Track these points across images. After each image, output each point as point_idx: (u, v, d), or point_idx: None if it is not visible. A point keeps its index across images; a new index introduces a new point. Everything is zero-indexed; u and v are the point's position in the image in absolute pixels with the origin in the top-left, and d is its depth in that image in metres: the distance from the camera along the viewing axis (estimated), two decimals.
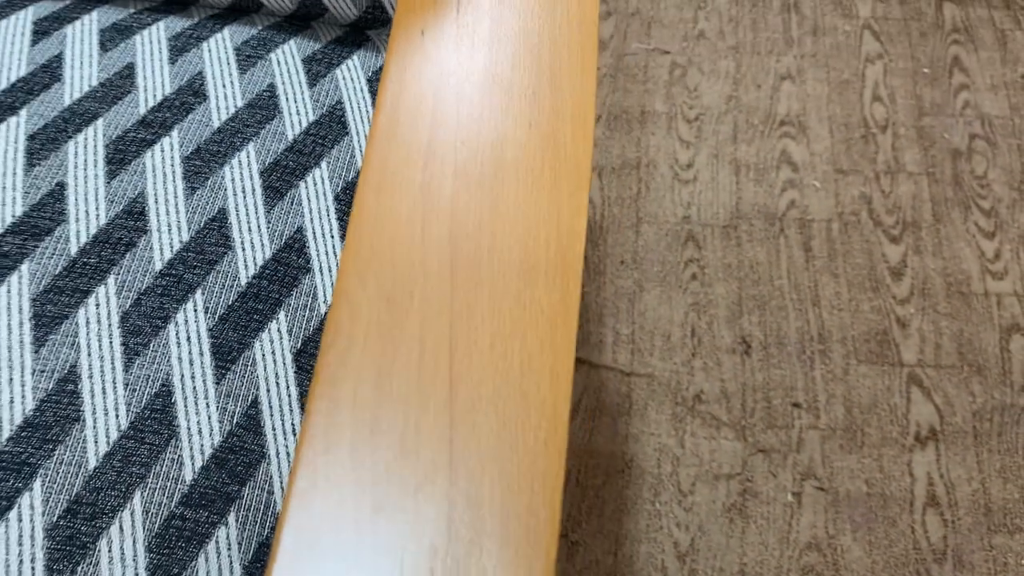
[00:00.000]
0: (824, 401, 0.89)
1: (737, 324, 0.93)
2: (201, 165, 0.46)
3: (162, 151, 0.46)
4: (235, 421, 0.39)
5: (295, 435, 0.38)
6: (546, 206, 0.26)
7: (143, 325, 0.40)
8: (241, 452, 0.38)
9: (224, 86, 0.50)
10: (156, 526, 0.36)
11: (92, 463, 0.37)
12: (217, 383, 0.40)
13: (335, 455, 0.22)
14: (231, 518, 0.37)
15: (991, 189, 1.05)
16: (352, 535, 0.21)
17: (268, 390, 0.40)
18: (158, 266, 0.42)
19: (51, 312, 0.40)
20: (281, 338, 0.41)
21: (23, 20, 0.51)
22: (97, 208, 0.43)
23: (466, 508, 0.20)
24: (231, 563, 0.36)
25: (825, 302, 0.95)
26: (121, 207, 0.43)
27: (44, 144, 0.45)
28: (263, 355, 0.41)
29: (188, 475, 0.37)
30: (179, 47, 0.51)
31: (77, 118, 0.47)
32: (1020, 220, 1.03)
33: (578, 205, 0.25)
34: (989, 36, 1.18)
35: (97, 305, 0.40)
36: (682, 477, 0.83)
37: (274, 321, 0.42)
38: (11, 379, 0.38)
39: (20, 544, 0.35)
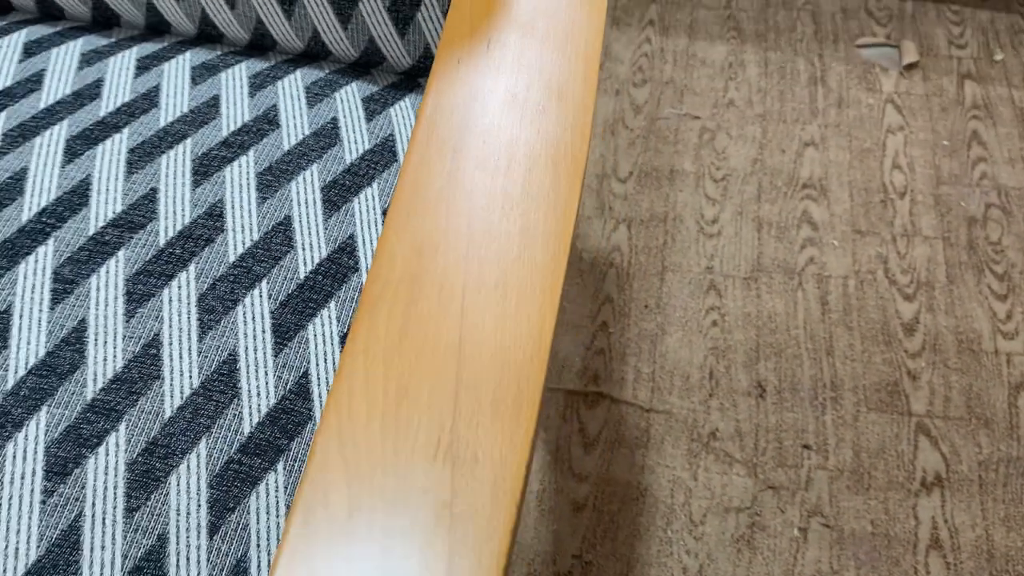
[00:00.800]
0: (834, 444, 0.93)
1: (753, 369, 0.98)
2: (272, 180, 0.54)
3: (240, 166, 0.54)
4: (288, 387, 0.46)
5: None
6: (548, 189, 0.33)
7: (216, 305, 0.48)
8: (292, 413, 0.45)
9: (294, 117, 0.58)
10: (217, 467, 0.43)
11: (168, 413, 0.44)
12: (275, 356, 0.47)
13: (371, 361, 0.29)
14: (280, 466, 0.44)
15: (1005, 255, 1.09)
16: (379, 419, 0.27)
17: (317, 364, 0.47)
18: (231, 258, 0.50)
19: (141, 291, 0.48)
20: (331, 323, 0.48)
21: (128, 57, 0.61)
22: (183, 210, 0.51)
23: (468, 396, 0.27)
24: (277, 502, 0.43)
25: (839, 352, 1.00)
26: (203, 210, 0.51)
27: (141, 157, 0.54)
28: (315, 335, 0.48)
29: (246, 428, 0.44)
30: (258, 83, 0.60)
31: (170, 137, 0.55)
32: None
33: (572, 187, 0.32)
34: (1008, 113, 1.24)
35: (179, 287, 0.48)
36: (694, 508, 0.88)
37: (325, 309, 0.49)
38: (106, 342, 0.46)
39: (106, 474, 0.42)
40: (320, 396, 0.46)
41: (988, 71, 1.30)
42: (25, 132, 0.54)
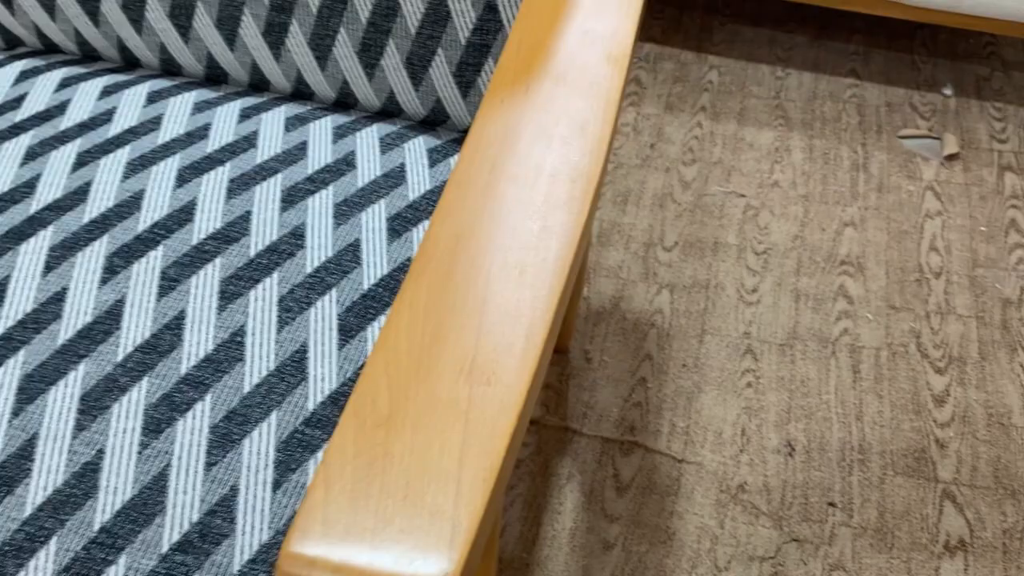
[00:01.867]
0: (859, 504, 0.96)
1: (784, 429, 1.03)
2: (347, 210, 0.63)
3: (320, 197, 0.63)
4: (348, 376, 0.54)
5: None
6: (564, 200, 0.41)
7: (293, 306, 0.56)
8: (349, 396, 0.53)
9: (368, 161, 0.68)
10: (284, 436, 0.51)
11: (247, 388, 0.52)
12: (339, 349, 0.55)
13: (414, 312, 0.37)
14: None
15: None
16: (416, 351, 0.35)
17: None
18: (308, 270, 0.59)
19: (232, 290, 0.57)
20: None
21: (233, 107, 0.71)
22: (272, 229, 0.61)
23: (486, 341, 0.35)
24: None
25: (868, 418, 1.04)
26: (288, 230, 0.61)
27: (240, 186, 0.64)
28: (372, 336, 0.56)
29: (311, 406, 0.52)
30: (340, 133, 0.70)
31: (264, 171, 0.65)
32: None
33: (585, 200, 0.40)
34: None
35: (264, 290, 0.57)
36: (719, 554, 0.92)
37: (383, 315, 0.57)
38: (200, 330, 0.55)
39: (191, 434, 0.50)
40: None
41: None
42: (144, 162, 0.65)
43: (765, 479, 0.98)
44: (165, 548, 0.47)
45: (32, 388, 0.52)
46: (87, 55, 0.77)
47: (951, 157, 1.36)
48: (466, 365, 0.34)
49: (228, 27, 0.71)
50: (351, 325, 0.56)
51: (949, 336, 1.13)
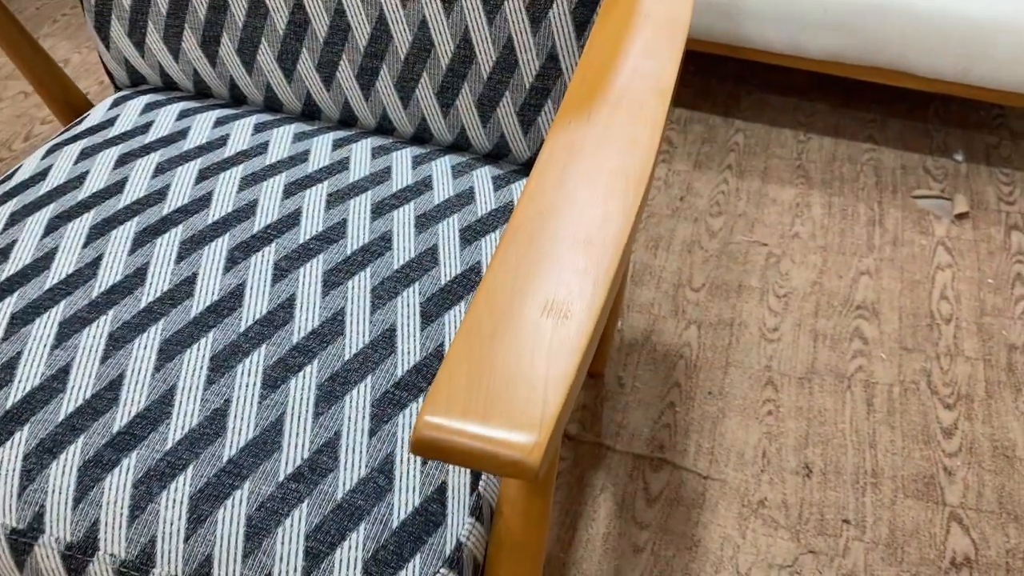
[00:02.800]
0: (871, 521, 1.04)
1: (802, 453, 1.11)
2: (425, 221, 0.74)
3: (403, 211, 0.75)
4: (429, 351, 0.64)
5: None
6: (619, 193, 0.52)
7: (384, 295, 0.67)
8: (431, 369, 0.63)
9: (442, 184, 0.79)
10: (378, 394, 0.61)
11: (346, 357, 0.63)
12: (422, 331, 0.65)
13: (507, 265, 0.47)
14: (420, 399, 0.61)
15: None
16: (510, 291, 0.46)
17: (449, 338, 0.65)
18: (395, 266, 0.69)
19: (333, 280, 0.68)
20: (460, 314, 0.67)
21: (327, 138, 0.83)
22: (364, 234, 0.72)
23: (562, 289, 0.45)
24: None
25: (881, 447, 1.12)
26: (377, 235, 0.72)
27: (335, 200, 0.75)
28: (449, 321, 0.67)
29: (399, 373, 0.62)
30: (418, 161, 0.82)
31: (356, 190, 0.76)
32: None
33: (637, 194, 0.51)
34: None
35: (360, 280, 0.68)
36: (740, 561, 1.00)
37: (459, 305, 0.68)
38: (307, 309, 0.65)
39: (301, 392, 0.61)
40: None
41: None
42: (256, 178, 0.77)
43: (784, 496, 1.06)
44: (281, 477, 0.57)
45: (170, 350, 0.62)
46: (200, 92, 0.90)
47: (961, 216, 1.46)
48: (548, 304, 0.44)
49: (327, 70, 0.83)
50: (431, 312, 0.67)
51: (958, 376, 1.21)
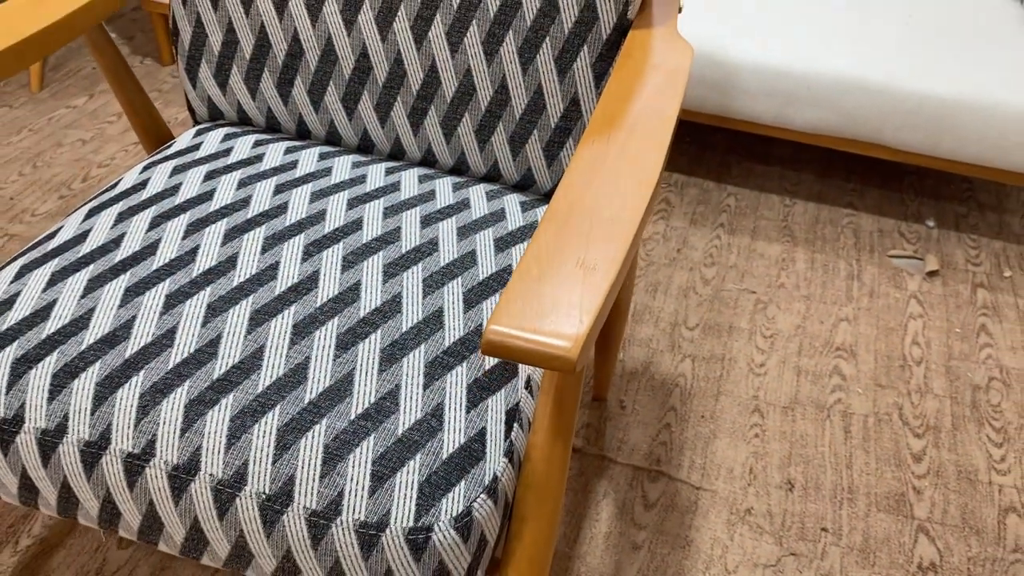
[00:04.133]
0: (847, 530, 1.15)
1: (785, 470, 1.23)
2: (466, 231, 0.88)
3: (447, 224, 0.89)
4: (471, 329, 0.77)
5: None
6: (630, 192, 0.66)
7: (432, 284, 0.81)
8: (472, 342, 0.76)
9: (478, 206, 0.93)
10: (430, 358, 0.74)
11: (404, 328, 0.76)
12: (464, 313, 0.79)
13: (548, 234, 0.61)
14: (465, 364, 0.74)
15: (1003, 414, 1.34)
16: (551, 250, 0.59)
17: (487, 320, 0.78)
18: (441, 264, 0.83)
19: (391, 271, 0.81)
20: (496, 302, 0.80)
21: (380, 168, 0.98)
22: (415, 238, 0.86)
23: (593, 250, 0.59)
24: (462, 382, 0.73)
25: (856, 468, 1.24)
26: (426, 240, 0.86)
27: (390, 212, 0.89)
28: (487, 307, 0.80)
29: (447, 343, 0.75)
30: (458, 187, 0.96)
31: (406, 206, 0.91)
32: None
33: (646, 191, 0.65)
34: (1013, 314, 1.52)
35: (413, 273, 0.81)
36: (728, 560, 1.11)
37: (494, 296, 0.81)
38: (371, 292, 0.79)
39: (367, 353, 0.74)
40: None
41: (998, 283, 1.60)
42: (323, 194, 0.91)
43: (768, 507, 1.18)
44: (352, 416, 0.69)
45: (259, 318, 0.76)
46: (270, 127, 1.05)
47: (932, 273, 1.61)
48: (580, 259, 0.58)
49: (383, 110, 0.99)
50: (471, 299, 0.80)
51: (927, 410, 1.34)
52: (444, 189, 0.96)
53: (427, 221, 0.89)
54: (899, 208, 1.78)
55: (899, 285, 1.58)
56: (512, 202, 0.96)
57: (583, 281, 0.57)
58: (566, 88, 0.93)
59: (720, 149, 1.92)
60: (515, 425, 0.73)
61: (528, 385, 0.77)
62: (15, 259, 0.83)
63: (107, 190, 0.92)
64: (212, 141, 1.00)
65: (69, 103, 1.92)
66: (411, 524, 0.65)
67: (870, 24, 1.69)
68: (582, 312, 0.54)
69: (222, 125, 1.06)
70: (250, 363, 0.72)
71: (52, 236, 0.85)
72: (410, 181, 0.96)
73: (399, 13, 0.94)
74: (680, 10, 0.99)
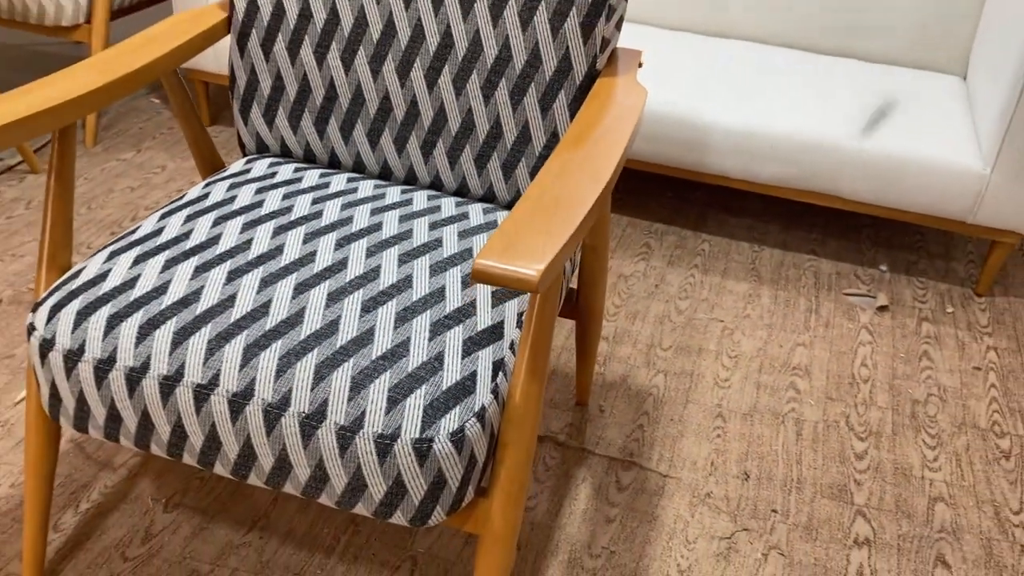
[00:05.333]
0: (794, 512, 1.32)
1: (743, 464, 1.40)
2: (466, 234, 1.09)
3: (451, 228, 1.10)
4: (467, 302, 0.97)
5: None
6: (587, 183, 0.87)
7: (438, 270, 1.01)
8: (467, 312, 0.96)
9: (476, 217, 1.14)
10: (434, 320, 0.94)
11: (414, 299, 0.96)
12: (461, 292, 0.99)
13: (523, 212, 0.82)
14: (462, 326, 0.94)
15: (938, 423, 1.52)
16: (532, 208, 0.80)
17: (480, 297, 0.99)
18: (445, 256, 1.04)
19: (405, 260, 1.02)
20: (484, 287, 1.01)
21: (396, 189, 1.20)
22: (424, 237, 1.07)
23: (557, 220, 0.80)
24: (458, 340, 0.93)
25: (805, 463, 1.41)
26: (434, 238, 1.07)
27: (406, 219, 1.10)
28: (481, 288, 1.00)
29: (447, 310, 0.95)
30: (459, 204, 1.18)
31: (418, 214, 1.12)
32: (956, 444, 1.48)
33: (604, 175, 0.86)
34: (952, 343, 1.72)
35: (422, 262, 1.02)
36: (689, 533, 1.28)
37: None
38: (388, 273, 0.99)
39: (385, 315, 0.93)
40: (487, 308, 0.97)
41: (941, 317, 1.79)
42: (351, 205, 1.12)
43: (726, 492, 1.35)
44: (374, 357, 0.89)
45: (301, 288, 0.96)
46: (306, 158, 1.28)
47: (882, 309, 1.81)
48: (545, 223, 0.79)
49: (400, 143, 1.21)
50: (467, 281, 1.01)
51: (871, 419, 1.52)
52: (448, 205, 1.17)
53: (434, 226, 1.10)
54: (856, 255, 1.99)
55: (852, 318, 1.77)
56: (501, 216, 1.17)
57: (545, 236, 0.78)
58: (547, 123, 1.15)
59: (697, 203, 2.15)
60: (500, 374, 0.93)
61: (511, 347, 0.96)
62: (104, 248, 1.04)
63: (176, 200, 1.14)
64: (260, 167, 1.23)
65: (119, 156, 2.16)
66: (417, 435, 0.85)
67: (825, 92, 1.93)
68: (544, 254, 0.75)
69: (267, 156, 1.28)
70: (294, 319, 0.92)
71: (133, 232, 1.07)
72: (421, 199, 1.18)
73: (415, 64, 1.17)
74: (640, 65, 1.22)
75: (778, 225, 2.08)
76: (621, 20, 1.17)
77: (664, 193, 2.18)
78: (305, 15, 1.18)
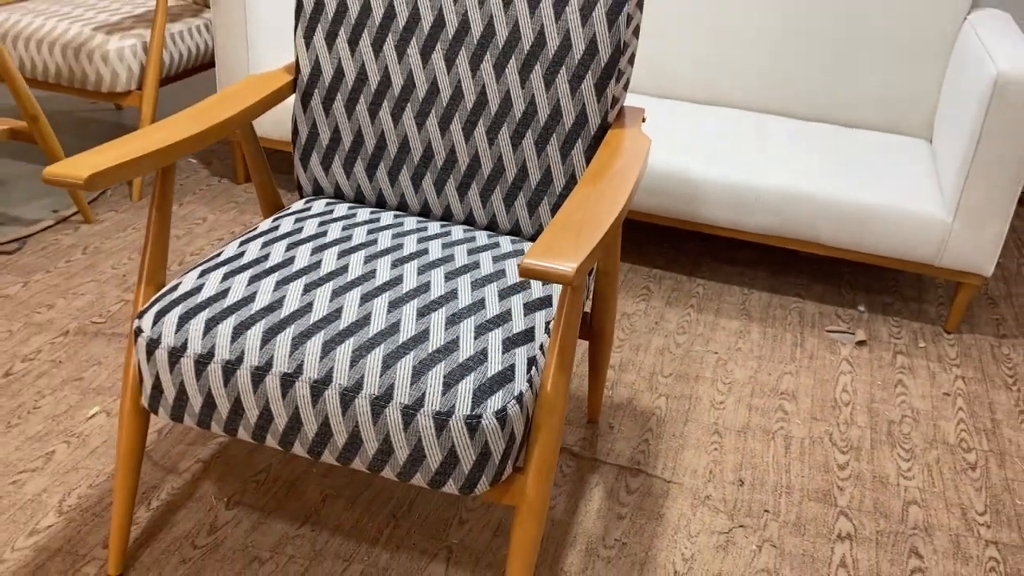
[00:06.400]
0: (784, 512, 1.49)
1: (738, 472, 1.57)
2: (498, 259, 1.28)
3: (485, 254, 1.29)
4: (504, 311, 1.16)
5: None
6: (608, 204, 1.07)
7: (478, 285, 1.20)
8: (505, 319, 1.15)
9: (505, 246, 1.34)
10: (479, 323, 1.12)
11: (460, 306, 1.15)
12: (499, 303, 1.18)
13: (563, 219, 1.02)
14: (501, 329, 1.13)
15: (911, 440, 1.69)
16: (563, 222, 0.99)
17: (515, 308, 1.17)
18: (482, 274, 1.23)
19: (449, 276, 1.21)
20: (522, 298, 1.20)
21: (436, 224, 1.40)
22: (464, 261, 1.26)
23: (586, 229, 1.00)
24: (499, 340, 1.11)
25: (794, 472, 1.59)
26: (472, 261, 1.26)
27: (446, 247, 1.30)
28: (516, 301, 1.19)
29: (488, 316, 1.14)
30: (491, 237, 1.37)
31: (455, 243, 1.32)
32: (928, 457, 1.65)
33: (619, 199, 1.06)
34: (924, 373, 1.90)
35: (465, 278, 1.21)
36: (691, 528, 1.44)
37: (520, 294, 1.21)
38: (438, 287, 1.18)
39: (438, 319, 1.12)
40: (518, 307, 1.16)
41: (914, 351, 1.98)
42: (398, 235, 1.32)
43: (723, 495, 1.52)
44: (431, 350, 1.07)
45: (366, 298, 1.15)
46: (357, 199, 1.48)
47: (861, 343, 2.00)
48: (575, 237, 0.98)
49: (439, 185, 1.41)
50: (504, 294, 1.20)
51: (851, 436, 1.69)
52: (481, 236, 1.37)
53: (472, 252, 1.30)
54: (837, 297, 2.19)
55: (833, 351, 1.96)
56: (527, 246, 1.37)
57: (575, 244, 0.97)
58: (567, 168, 1.36)
59: (692, 252, 2.35)
60: (533, 368, 1.11)
61: (541, 348, 1.15)
62: (194, 268, 1.23)
63: (250, 231, 1.33)
64: (318, 206, 1.43)
65: None
66: (468, 412, 1.03)
67: (804, 150, 2.15)
68: (576, 256, 0.94)
69: (322, 197, 1.48)
70: (363, 321, 1.11)
71: (217, 255, 1.26)
72: (458, 231, 1.38)
73: (455, 118, 1.38)
74: (644, 120, 1.43)
75: (766, 271, 2.29)
76: (628, 82, 1.39)
77: (662, 243, 2.39)
78: (362, 77, 1.40)
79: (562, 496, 1.49)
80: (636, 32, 1.36)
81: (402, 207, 1.46)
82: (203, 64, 2.61)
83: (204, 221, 2.33)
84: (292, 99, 2.25)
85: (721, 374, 1.85)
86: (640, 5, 1.35)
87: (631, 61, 1.37)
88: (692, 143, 2.15)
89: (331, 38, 1.40)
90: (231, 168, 2.65)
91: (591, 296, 1.49)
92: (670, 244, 2.39)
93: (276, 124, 2.34)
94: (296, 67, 1.44)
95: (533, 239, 1.42)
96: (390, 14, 1.37)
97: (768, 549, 1.42)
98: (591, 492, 1.50)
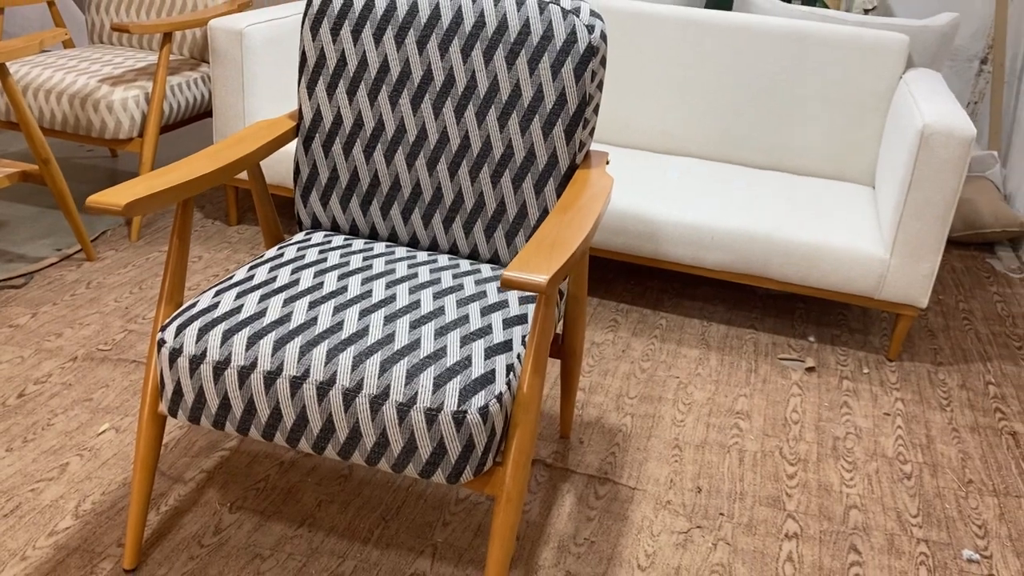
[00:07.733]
0: (737, 515, 1.65)
1: (696, 480, 1.73)
2: (480, 282, 1.45)
3: (468, 278, 1.46)
4: (485, 325, 1.32)
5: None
6: (583, 221, 1.24)
7: (463, 303, 1.36)
8: (486, 331, 1.31)
9: (486, 272, 1.51)
10: (464, 335, 1.28)
11: (447, 320, 1.31)
12: (481, 318, 1.34)
13: (540, 238, 1.19)
14: (484, 339, 1.29)
15: (854, 453, 1.86)
16: (541, 239, 1.16)
17: (498, 325, 1.34)
18: (465, 295, 1.39)
19: (437, 296, 1.37)
20: (502, 314, 1.36)
21: (424, 253, 1.56)
22: (449, 283, 1.42)
23: (558, 249, 1.17)
24: (481, 348, 1.27)
25: (747, 481, 1.75)
26: (457, 284, 1.42)
27: (433, 271, 1.46)
28: (496, 317, 1.35)
29: (471, 328, 1.30)
30: (472, 264, 1.54)
31: (440, 269, 1.48)
32: (868, 468, 1.82)
33: (590, 217, 1.23)
34: (867, 396, 2.09)
35: (451, 297, 1.37)
36: (654, 528, 1.59)
37: (499, 312, 1.37)
38: (427, 303, 1.34)
39: (428, 331, 1.28)
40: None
41: (859, 376, 2.16)
42: (390, 261, 1.48)
43: (683, 500, 1.67)
44: (422, 356, 1.23)
45: (364, 313, 1.30)
46: (351, 231, 1.64)
47: (810, 370, 2.17)
48: (547, 255, 1.15)
49: (427, 219, 1.58)
50: (486, 312, 1.36)
51: (800, 450, 1.86)
52: (464, 264, 1.53)
53: (456, 276, 1.46)
54: (789, 329, 2.37)
55: (785, 376, 2.14)
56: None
57: (548, 260, 1.14)
58: (540, 203, 1.53)
59: (655, 288, 2.54)
60: (511, 373, 1.27)
61: (519, 357, 1.31)
62: (209, 289, 1.39)
63: (258, 258, 1.49)
64: (317, 237, 1.59)
65: (159, 248, 2.51)
66: (455, 408, 1.18)
67: (756, 195, 2.35)
68: (548, 269, 1.11)
69: (319, 231, 1.64)
70: (362, 332, 1.27)
71: (229, 278, 1.41)
72: (443, 259, 1.54)
73: (440, 159, 1.56)
74: (608, 162, 1.61)
75: (724, 306, 2.47)
76: (593, 129, 1.58)
77: (629, 280, 2.57)
78: (358, 123, 1.58)
79: (536, 502, 1.64)
80: (600, 86, 1.55)
81: (393, 238, 1.63)
82: (199, 114, 2.79)
83: (200, 259, 2.47)
84: (290, 146, 2.43)
85: (682, 396, 2.01)
86: (603, 62, 1.54)
87: (596, 111, 1.56)
88: (655, 188, 2.35)
89: (331, 89, 1.58)
90: (224, 212, 2.81)
91: (563, 318, 1.65)
92: (636, 281, 2.57)
93: (267, 167, 2.51)
94: (299, 114, 1.62)
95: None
96: (384, 68, 1.56)
97: (723, 547, 1.57)
98: (563, 498, 1.65)
